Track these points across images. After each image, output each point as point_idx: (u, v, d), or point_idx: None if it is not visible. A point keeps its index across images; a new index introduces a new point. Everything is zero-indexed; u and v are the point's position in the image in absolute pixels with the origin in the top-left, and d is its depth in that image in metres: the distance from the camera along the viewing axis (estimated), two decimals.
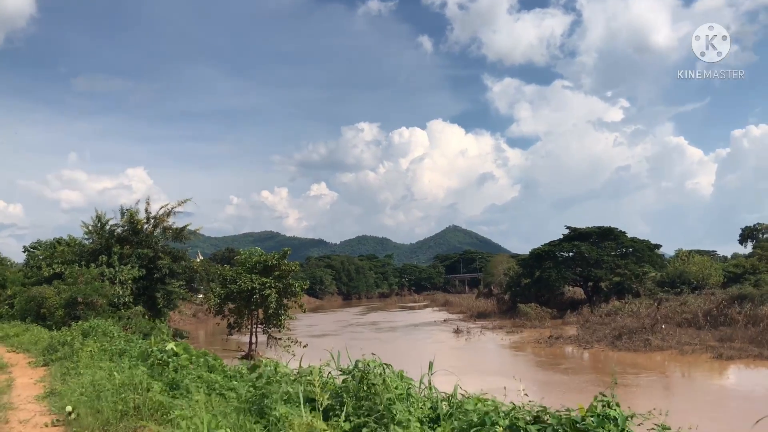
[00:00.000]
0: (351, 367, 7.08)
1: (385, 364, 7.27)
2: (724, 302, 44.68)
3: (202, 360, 9.36)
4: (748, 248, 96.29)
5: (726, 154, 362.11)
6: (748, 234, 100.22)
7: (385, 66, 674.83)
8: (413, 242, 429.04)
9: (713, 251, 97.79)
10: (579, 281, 65.73)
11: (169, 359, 9.19)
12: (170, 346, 9.46)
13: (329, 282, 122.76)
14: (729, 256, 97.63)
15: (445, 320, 64.51)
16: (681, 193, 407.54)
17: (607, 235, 64.80)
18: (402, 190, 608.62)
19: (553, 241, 67.16)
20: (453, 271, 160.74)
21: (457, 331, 50.24)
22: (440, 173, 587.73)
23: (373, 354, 7.40)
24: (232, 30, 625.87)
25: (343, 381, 6.94)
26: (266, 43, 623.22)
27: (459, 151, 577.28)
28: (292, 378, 7.28)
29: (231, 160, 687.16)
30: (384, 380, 6.24)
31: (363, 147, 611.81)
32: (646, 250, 64.35)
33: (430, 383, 7.87)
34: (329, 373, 7.75)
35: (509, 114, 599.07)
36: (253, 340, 29.05)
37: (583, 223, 67.89)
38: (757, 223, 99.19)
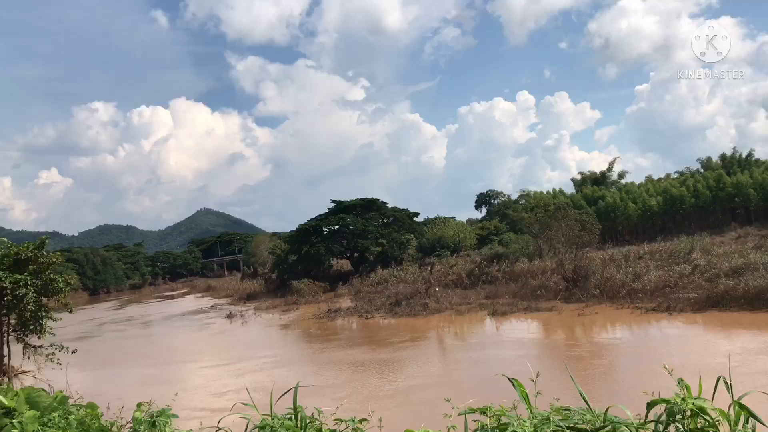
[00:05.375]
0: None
1: None
2: (484, 262, 48.21)
3: (72, 417, 4.26)
4: (483, 212, 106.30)
5: (455, 129, 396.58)
6: (482, 200, 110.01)
7: (118, 41, 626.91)
8: (162, 228, 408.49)
9: (452, 217, 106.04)
10: (345, 253, 66.69)
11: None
12: None
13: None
14: (465, 221, 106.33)
15: (213, 306, 61.33)
16: (418, 166, 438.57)
17: (370, 206, 66.54)
18: (146, 173, 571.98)
19: (320, 215, 67.28)
20: (210, 254, 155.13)
21: (230, 316, 47.75)
22: (187, 154, 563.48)
23: None
24: None
25: None
26: None
27: (206, 130, 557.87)
28: None
29: None
30: None
31: (99, 128, 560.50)
32: (406, 219, 67.35)
33: None
34: None
35: (256, 93, 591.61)
36: (5, 352, 24.15)
37: (334, 199, 68.61)
38: (490, 190, 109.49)
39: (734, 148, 77.98)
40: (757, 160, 73.70)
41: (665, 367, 2.70)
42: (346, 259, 67.69)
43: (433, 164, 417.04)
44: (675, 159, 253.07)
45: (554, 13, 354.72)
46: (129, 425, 3.61)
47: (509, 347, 25.17)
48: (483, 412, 2.79)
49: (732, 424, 2.28)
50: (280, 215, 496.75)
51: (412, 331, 31.47)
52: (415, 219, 70.99)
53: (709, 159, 78.43)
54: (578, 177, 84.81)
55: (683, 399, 2.36)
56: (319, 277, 60.97)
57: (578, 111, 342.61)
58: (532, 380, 3.27)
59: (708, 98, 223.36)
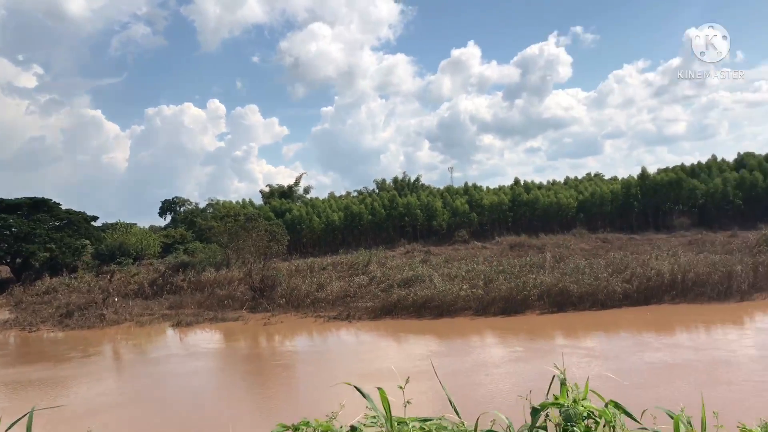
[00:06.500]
0: None
1: None
2: (168, 271, 46.29)
3: None
4: (167, 220, 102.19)
5: (140, 130, 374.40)
6: (167, 207, 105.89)
7: None
8: None
9: (134, 223, 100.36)
10: (5, 258, 58.57)
11: None
12: None
13: None
14: (148, 228, 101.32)
15: None
16: (97, 167, 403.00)
17: (39, 206, 59.46)
18: None
19: None
20: None
21: None
22: None
23: None
24: None
25: None
26: None
27: None
28: None
29: None
30: None
31: None
32: (83, 223, 61.62)
33: None
34: None
35: None
36: None
37: None
38: (176, 197, 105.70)
39: (404, 173, 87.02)
40: (423, 185, 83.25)
41: (556, 367, 2.62)
42: (6, 265, 59.46)
43: (114, 165, 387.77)
44: (353, 179, 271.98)
45: (248, 26, 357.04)
46: None
47: (194, 359, 24.47)
48: (296, 429, 2.44)
49: (612, 422, 2.32)
50: None
51: (88, 344, 28.80)
52: (92, 223, 65.17)
53: (383, 181, 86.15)
54: (266, 189, 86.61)
55: (574, 401, 2.34)
56: None
57: (267, 125, 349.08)
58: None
59: (383, 126, 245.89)
